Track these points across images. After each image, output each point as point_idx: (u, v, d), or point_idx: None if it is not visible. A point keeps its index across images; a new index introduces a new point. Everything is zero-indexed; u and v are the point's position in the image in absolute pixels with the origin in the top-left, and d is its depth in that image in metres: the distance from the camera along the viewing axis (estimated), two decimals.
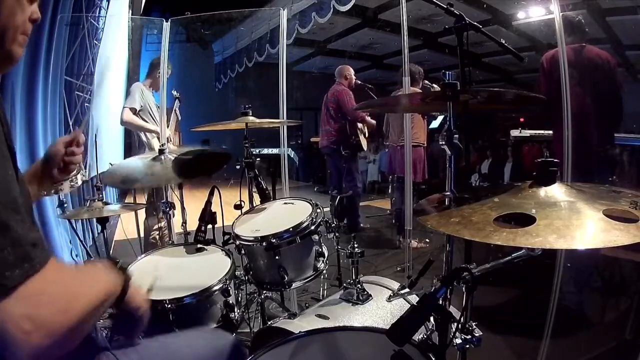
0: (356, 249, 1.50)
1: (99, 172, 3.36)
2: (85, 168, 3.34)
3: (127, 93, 3.46)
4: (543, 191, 0.87)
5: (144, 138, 3.34)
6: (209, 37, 9.28)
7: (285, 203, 1.83)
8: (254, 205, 1.97)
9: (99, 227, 1.90)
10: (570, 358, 2.08)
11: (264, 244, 1.48)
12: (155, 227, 3.26)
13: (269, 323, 1.41)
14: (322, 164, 7.53)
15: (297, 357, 1.01)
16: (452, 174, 1.05)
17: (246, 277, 1.64)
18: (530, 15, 5.92)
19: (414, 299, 1.40)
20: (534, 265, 1.06)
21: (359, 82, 4.50)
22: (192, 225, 1.88)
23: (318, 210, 1.61)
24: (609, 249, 0.68)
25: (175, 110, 3.45)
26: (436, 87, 3.70)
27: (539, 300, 2.26)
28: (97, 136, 3.76)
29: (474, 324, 0.94)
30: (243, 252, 1.59)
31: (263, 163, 2.19)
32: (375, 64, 9.84)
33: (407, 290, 1.43)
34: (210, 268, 1.53)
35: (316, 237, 1.53)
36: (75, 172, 1.21)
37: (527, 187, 0.90)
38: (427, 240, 3.99)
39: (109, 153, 4.29)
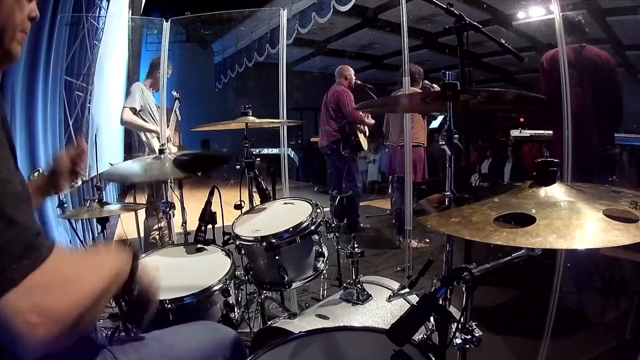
0: (356, 249, 1.50)
1: (99, 172, 3.37)
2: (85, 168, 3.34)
3: (127, 93, 3.46)
4: (543, 191, 0.87)
5: (144, 138, 3.34)
6: (209, 37, 9.28)
7: (285, 203, 1.83)
8: (254, 205, 1.97)
9: (99, 227, 1.90)
10: (570, 358, 2.07)
11: (264, 244, 1.48)
12: (155, 227, 3.26)
13: (269, 323, 1.41)
14: (322, 164, 7.53)
15: (297, 357, 1.01)
16: (452, 174, 1.05)
17: (246, 277, 1.64)
18: (530, 15, 5.92)
19: (414, 299, 1.40)
20: (534, 265, 1.06)
21: (359, 82, 4.50)
22: (192, 225, 1.88)
23: (318, 210, 1.61)
24: (609, 249, 0.68)
25: (175, 110, 3.46)
26: (436, 87, 3.70)
27: (539, 300, 2.26)
28: (97, 136, 3.77)
29: (474, 324, 0.94)
30: (243, 252, 1.59)
31: (263, 163, 2.19)
32: (375, 64, 9.84)
33: (407, 290, 1.43)
34: (210, 268, 1.53)
35: (316, 237, 1.54)
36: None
37: (527, 187, 0.90)
38: (427, 240, 3.99)
39: (109, 153, 4.29)
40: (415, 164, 3.67)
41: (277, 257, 1.47)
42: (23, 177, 0.62)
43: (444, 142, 1.06)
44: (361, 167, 6.36)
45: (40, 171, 2.41)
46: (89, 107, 3.76)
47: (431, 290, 0.85)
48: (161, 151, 1.91)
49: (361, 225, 4.71)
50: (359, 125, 4.47)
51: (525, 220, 0.76)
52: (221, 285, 1.43)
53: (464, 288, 0.87)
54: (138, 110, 3.26)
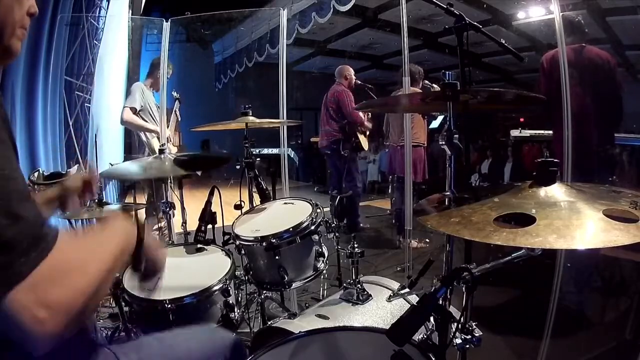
0: (356, 249, 1.50)
1: (99, 172, 3.36)
2: (85, 168, 3.34)
3: (128, 93, 3.47)
4: (543, 191, 0.87)
5: (144, 138, 3.35)
6: (209, 37, 9.27)
7: (285, 203, 1.83)
8: (254, 205, 1.97)
9: None
10: (570, 358, 2.07)
11: (264, 244, 1.48)
12: (155, 227, 3.26)
13: (269, 323, 1.41)
14: (322, 164, 7.52)
15: (297, 357, 1.01)
16: (452, 174, 1.05)
17: (246, 277, 1.64)
18: (530, 15, 5.92)
19: (414, 299, 1.40)
20: (534, 265, 1.06)
21: (359, 82, 4.49)
22: (192, 225, 1.88)
23: (318, 210, 1.61)
24: (609, 249, 0.68)
25: (175, 111, 3.46)
26: (436, 87, 3.70)
27: (539, 300, 2.26)
28: (97, 136, 3.77)
29: (474, 324, 0.94)
30: (243, 252, 1.59)
31: (263, 163, 2.19)
32: (375, 64, 9.83)
33: (407, 290, 1.43)
34: (210, 268, 1.53)
35: (316, 237, 1.53)
36: (75, 171, 1.24)
37: (527, 187, 0.90)
38: (427, 240, 3.99)
39: (109, 153, 4.29)
40: (415, 164, 3.67)
41: (277, 257, 1.47)
42: (23, 175, 0.62)
43: (444, 142, 1.06)
44: (361, 167, 6.36)
45: (40, 171, 2.42)
46: (89, 107, 3.76)
47: (431, 290, 0.85)
48: (161, 151, 1.91)
49: (361, 225, 4.71)
50: (359, 127, 4.48)
51: (525, 220, 0.76)
52: (221, 285, 1.43)
53: (464, 288, 0.87)
54: (138, 110, 3.26)
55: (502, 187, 0.97)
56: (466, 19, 1.10)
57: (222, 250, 1.68)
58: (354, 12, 6.31)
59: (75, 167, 2.82)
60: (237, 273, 1.62)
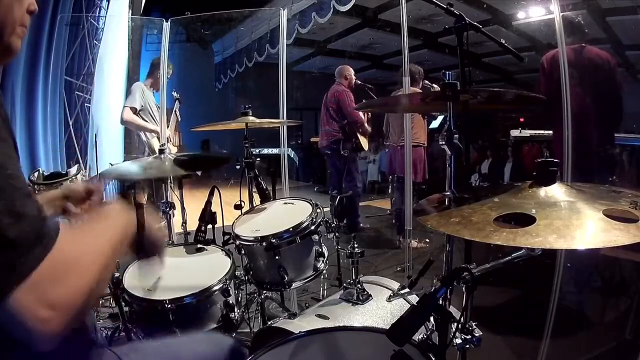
0: (356, 249, 1.50)
1: (99, 172, 3.36)
2: (85, 168, 3.34)
3: (128, 92, 3.47)
4: (543, 191, 0.87)
5: (143, 138, 3.34)
6: (209, 37, 9.27)
7: (285, 203, 1.83)
8: (254, 205, 1.97)
9: None
10: (570, 358, 2.07)
11: (264, 244, 1.48)
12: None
13: (269, 323, 1.41)
14: (322, 164, 7.52)
15: (297, 357, 1.01)
16: (452, 174, 1.05)
17: (246, 277, 1.64)
18: (530, 15, 5.91)
19: (414, 299, 1.40)
20: (534, 265, 1.06)
21: (359, 82, 4.49)
22: (192, 225, 1.88)
23: (318, 210, 1.61)
24: (609, 249, 0.68)
25: (175, 111, 3.46)
26: (436, 87, 3.70)
27: (539, 300, 2.26)
28: (97, 136, 3.77)
29: (474, 324, 0.94)
30: (243, 252, 1.59)
31: (263, 163, 2.19)
32: (375, 64, 9.83)
33: (407, 290, 1.43)
34: (210, 268, 1.53)
35: (316, 237, 1.54)
36: (75, 171, 1.23)
37: (527, 187, 0.90)
38: (427, 240, 3.99)
39: (109, 153, 4.29)
40: (415, 164, 3.67)
41: (277, 257, 1.47)
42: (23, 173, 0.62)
43: (444, 142, 1.06)
44: (361, 167, 6.36)
45: (40, 171, 2.42)
46: (89, 107, 3.76)
47: (431, 290, 0.85)
48: (161, 151, 1.91)
49: (361, 225, 4.71)
50: (359, 128, 4.48)
51: (525, 220, 0.76)
52: (221, 285, 1.43)
53: (464, 288, 0.87)
54: (138, 110, 3.26)
55: (502, 187, 0.97)
56: (466, 19, 1.10)
57: (222, 250, 1.68)
58: (354, 12, 6.30)
59: (75, 167, 2.82)
60: (237, 273, 1.62)
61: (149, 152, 3.28)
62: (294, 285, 1.55)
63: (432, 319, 0.89)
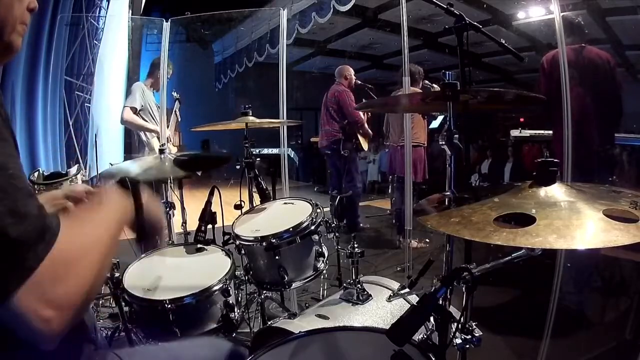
0: (356, 249, 1.50)
1: (99, 172, 3.36)
2: (85, 168, 3.34)
3: (128, 92, 3.47)
4: (543, 191, 0.87)
5: (143, 138, 3.34)
6: (209, 37, 9.28)
7: (285, 203, 1.83)
8: (254, 205, 1.96)
9: None
10: (570, 358, 2.07)
11: (264, 244, 1.48)
12: None
13: (269, 323, 1.41)
14: (322, 164, 7.52)
15: (297, 357, 1.01)
16: (452, 174, 1.05)
17: (246, 277, 1.64)
18: (530, 15, 5.92)
19: (414, 299, 1.40)
20: (534, 265, 1.06)
21: (359, 82, 4.49)
22: (192, 225, 1.87)
23: (318, 210, 1.61)
24: (609, 249, 0.68)
25: (175, 111, 3.45)
26: (436, 87, 3.70)
27: (539, 300, 2.26)
28: (97, 136, 3.77)
29: (474, 324, 0.94)
30: (243, 252, 1.59)
31: (263, 163, 2.19)
32: (375, 64, 9.83)
33: (407, 290, 1.43)
34: (210, 268, 1.53)
35: (316, 237, 1.53)
36: (75, 171, 1.22)
37: (527, 187, 0.90)
38: (427, 240, 3.99)
39: (109, 153, 4.29)
40: (415, 164, 3.67)
41: (277, 257, 1.47)
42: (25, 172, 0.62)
43: (444, 142, 1.06)
44: (361, 167, 6.36)
45: (40, 171, 2.42)
46: (89, 107, 3.76)
47: (431, 290, 0.85)
48: (161, 151, 1.91)
49: (361, 225, 4.71)
50: (359, 128, 4.48)
51: (525, 220, 0.76)
52: (221, 285, 1.43)
53: (464, 288, 0.87)
54: (138, 109, 3.26)
55: (502, 187, 0.97)
56: (466, 19, 1.10)
57: (222, 250, 1.68)
58: (354, 12, 6.31)
59: (75, 167, 2.82)
60: (237, 273, 1.61)
61: (149, 152, 3.28)
62: (294, 285, 1.55)
63: (432, 319, 0.89)
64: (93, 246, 0.63)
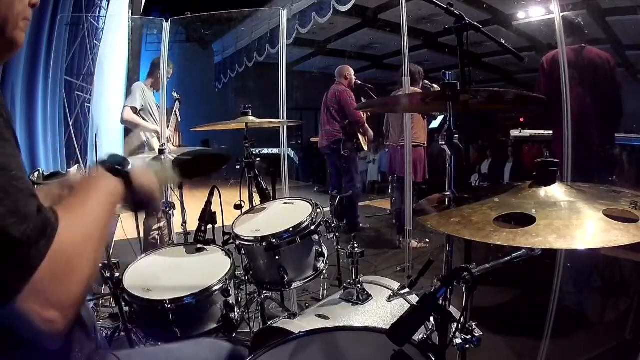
0: (356, 249, 1.50)
1: None
2: (85, 168, 3.34)
3: (128, 92, 3.47)
4: (543, 191, 0.87)
5: (143, 137, 3.34)
6: (209, 37, 9.27)
7: (285, 203, 1.83)
8: (254, 205, 1.97)
9: None
10: (570, 358, 2.07)
11: (264, 244, 1.48)
12: (155, 227, 3.26)
13: (269, 323, 1.41)
14: (322, 164, 7.52)
15: (297, 357, 1.01)
16: (452, 174, 1.05)
17: (246, 277, 1.64)
18: (530, 15, 5.92)
19: (414, 299, 1.40)
20: (534, 265, 1.06)
21: (359, 82, 4.49)
22: (192, 225, 1.88)
23: (318, 210, 1.61)
24: (609, 249, 0.68)
25: (175, 111, 3.45)
26: (436, 87, 3.70)
27: (539, 300, 2.26)
28: (97, 136, 3.76)
29: (474, 324, 0.94)
30: (243, 252, 1.59)
31: (263, 163, 2.19)
32: (375, 64, 9.84)
33: (407, 290, 1.43)
34: (210, 268, 1.53)
35: (316, 237, 1.54)
36: (75, 171, 1.22)
37: (527, 187, 0.90)
38: (427, 240, 3.99)
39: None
40: (415, 164, 3.67)
41: (277, 257, 1.47)
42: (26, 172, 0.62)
43: (444, 142, 1.06)
44: (361, 167, 6.36)
45: (40, 171, 2.41)
46: (89, 107, 3.76)
47: (431, 290, 0.85)
48: (161, 151, 1.91)
49: (361, 225, 4.71)
50: (360, 127, 4.48)
51: (525, 220, 0.76)
52: (221, 285, 1.43)
53: (464, 288, 0.87)
54: (139, 109, 3.26)
55: (502, 187, 0.97)
56: (466, 19, 1.10)
57: (222, 250, 1.68)
58: (354, 12, 6.31)
59: (75, 167, 2.82)
60: (237, 273, 1.61)
61: (149, 152, 3.28)
62: (294, 285, 1.55)
63: (432, 319, 0.89)
64: (89, 237, 0.63)
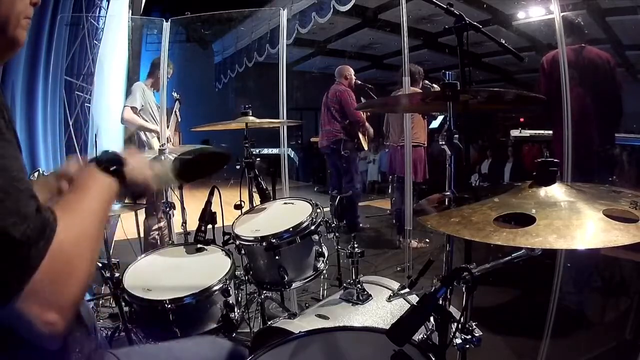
0: (356, 249, 1.50)
1: None
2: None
3: (128, 92, 3.47)
4: (543, 191, 0.87)
5: (143, 137, 3.35)
6: (209, 37, 9.27)
7: (285, 203, 1.83)
8: (254, 205, 1.97)
9: None
10: (570, 358, 2.07)
11: (264, 244, 1.48)
12: (155, 227, 3.26)
13: (269, 323, 1.41)
14: (322, 164, 7.52)
15: (297, 357, 1.01)
16: (452, 174, 1.05)
17: (246, 277, 1.64)
18: (530, 15, 5.92)
19: (414, 299, 1.40)
20: (534, 265, 1.06)
21: (359, 82, 4.49)
22: (192, 225, 1.88)
23: (318, 210, 1.61)
24: (609, 249, 0.68)
25: (175, 111, 3.45)
26: (436, 87, 3.70)
27: (539, 300, 2.26)
28: (97, 136, 3.76)
29: (474, 324, 0.94)
30: (243, 252, 1.59)
31: (263, 163, 2.19)
32: (375, 64, 9.83)
33: (407, 290, 1.43)
34: (210, 268, 1.53)
35: (316, 237, 1.54)
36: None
37: (527, 187, 0.90)
38: (427, 240, 3.99)
39: None
40: (415, 164, 3.67)
41: (277, 257, 1.47)
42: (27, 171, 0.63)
43: (444, 142, 1.06)
44: (361, 167, 6.36)
45: (40, 171, 2.41)
46: (89, 107, 3.76)
47: (431, 290, 0.85)
48: (161, 151, 1.91)
49: (361, 225, 4.71)
50: (360, 127, 4.48)
51: (525, 220, 0.76)
52: (221, 285, 1.43)
53: (464, 288, 0.87)
54: (139, 109, 3.26)
55: (502, 187, 0.97)
56: (466, 19, 1.10)
57: (222, 250, 1.68)
58: (354, 12, 6.30)
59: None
60: (237, 273, 1.62)
61: (149, 152, 3.28)
62: (294, 285, 1.55)
63: (432, 319, 0.89)
64: (87, 237, 0.63)
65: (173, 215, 2.23)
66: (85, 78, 3.76)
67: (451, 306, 0.97)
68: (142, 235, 3.42)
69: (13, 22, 0.66)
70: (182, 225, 2.18)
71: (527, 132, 5.14)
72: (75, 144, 3.47)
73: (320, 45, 8.55)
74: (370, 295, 1.44)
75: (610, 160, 2.77)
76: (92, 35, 3.73)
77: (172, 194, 2.53)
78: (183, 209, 2.21)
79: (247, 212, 1.82)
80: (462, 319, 0.90)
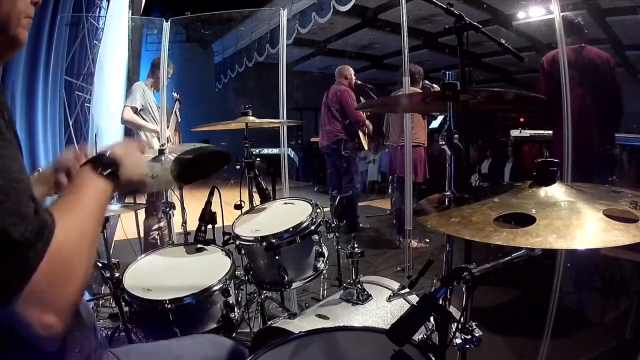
0: (356, 249, 1.50)
1: None
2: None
3: (128, 92, 3.47)
4: (543, 191, 0.87)
5: (143, 137, 3.34)
6: (209, 37, 9.26)
7: (285, 203, 1.83)
8: (254, 205, 1.97)
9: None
10: (570, 358, 2.07)
11: (264, 244, 1.48)
12: (155, 227, 3.26)
13: (269, 323, 1.41)
14: (322, 164, 7.52)
15: (297, 357, 1.01)
16: (452, 174, 1.05)
17: (246, 277, 1.65)
18: (530, 15, 5.92)
19: (414, 299, 1.40)
20: (534, 265, 1.06)
21: (359, 82, 4.49)
22: (192, 225, 1.88)
23: (318, 210, 1.61)
24: (609, 249, 0.68)
25: (175, 111, 3.46)
26: (436, 87, 3.70)
27: (539, 300, 2.26)
28: (97, 136, 3.76)
29: (474, 324, 0.94)
30: (243, 252, 1.59)
31: (263, 163, 2.19)
32: (375, 64, 9.83)
33: (407, 290, 1.43)
34: (210, 268, 1.53)
35: (316, 237, 1.54)
36: None
37: (527, 187, 0.90)
38: (427, 240, 3.99)
39: None
40: (415, 164, 3.67)
41: (277, 257, 1.47)
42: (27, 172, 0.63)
43: (444, 142, 1.06)
44: (361, 167, 6.36)
45: (40, 171, 2.41)
46: (89, 107, 3.76)
47: (431, 290, 0.85)
48: (161, 151, 1.90)
49: (361, 225, 4.71)
50: (361, 127, 4.48)
51: (525, 220, 0.76)
52: (221, 285, 1.43)
53: (464, 288, 0.87)
54: (139, 109, 3.26)
55: (502, 187, 0.97)
56: (466, 19, 1.10)
57: (222, 250, 1.68)
58: (354, 12, 6.30)
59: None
60: (237, 273, 1.62)
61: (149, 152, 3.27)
62: (294, 285, 1.55)
63: (432, 319, 0.89)
64: (85, 238, 0.63)
65: (173, 215, 2.24)
66: (85, 78, 3.76)
67: (451, 306, 0.97)
68: (142, 235, 3.42)
69: (14, 21, 0.66)
70: (182, 225, 2.18)
71: (527, 132, 5.14)
72: (75, 144, 3.47)
73: (320, 45, 8.55)
74: (370, 295, 1.44)
75: (610, 160, 2.77)
76: (92, 35, 3.73)
77: (172, 194, 2.53)
78: (183, 209, 2.21)
79: (247, 212, 1.82)
80: (462, 319, 0.90)
